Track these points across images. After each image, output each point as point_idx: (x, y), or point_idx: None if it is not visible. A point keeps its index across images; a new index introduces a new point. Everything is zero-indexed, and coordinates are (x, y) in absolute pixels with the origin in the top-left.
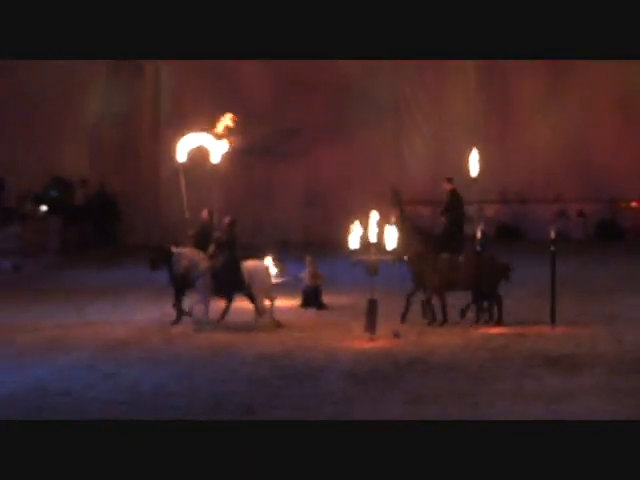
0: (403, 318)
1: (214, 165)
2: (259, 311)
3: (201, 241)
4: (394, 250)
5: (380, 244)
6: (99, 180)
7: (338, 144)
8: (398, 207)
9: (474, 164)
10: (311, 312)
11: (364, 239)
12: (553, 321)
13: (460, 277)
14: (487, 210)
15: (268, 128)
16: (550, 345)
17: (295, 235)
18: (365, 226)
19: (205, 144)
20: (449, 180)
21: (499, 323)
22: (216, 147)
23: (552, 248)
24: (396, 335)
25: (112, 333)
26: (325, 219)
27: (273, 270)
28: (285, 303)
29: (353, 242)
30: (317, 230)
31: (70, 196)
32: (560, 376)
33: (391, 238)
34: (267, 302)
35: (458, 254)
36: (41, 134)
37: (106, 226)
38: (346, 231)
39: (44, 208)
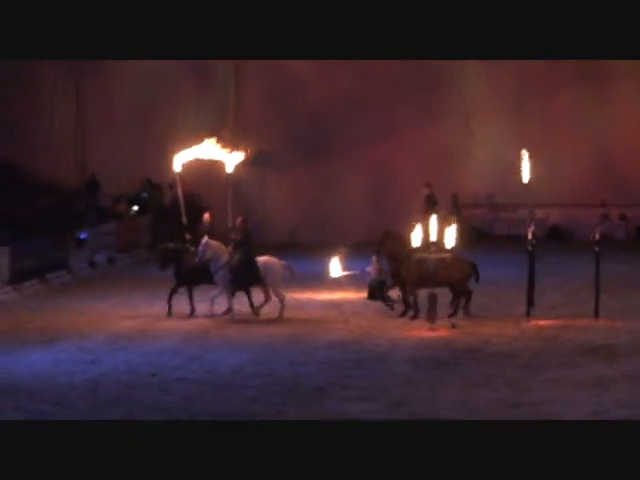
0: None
1: (229, 174)
2: (265, 302)
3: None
4: (452, 248)
5: (439, 243)
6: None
7: (400, 146)
8: (456, 209)
9: (526, 169)
10: (376, 304)
11: (425, 238)
12: (597, 314)
13: (436, 275)
14: (538, 213)
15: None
16: (594, 336)
17: (361, 234)
18: (425, 226)
19: (202, 156)
20: (428, 185)
21: (468, 314)
22: (229, 158)
23: (596, 248)
24: (454, 326)
25: (195, 321)
26: (387, 218)
27: (336, 267)
28: (353, 296)
29: (414, 240)
30: (380, 229)
31: (159, 198)
32: (603, 364)
33: (450, 237)
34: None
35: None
36: (134, 139)
37: (190, 225)
38: (408, 230)
39: (136, 208)
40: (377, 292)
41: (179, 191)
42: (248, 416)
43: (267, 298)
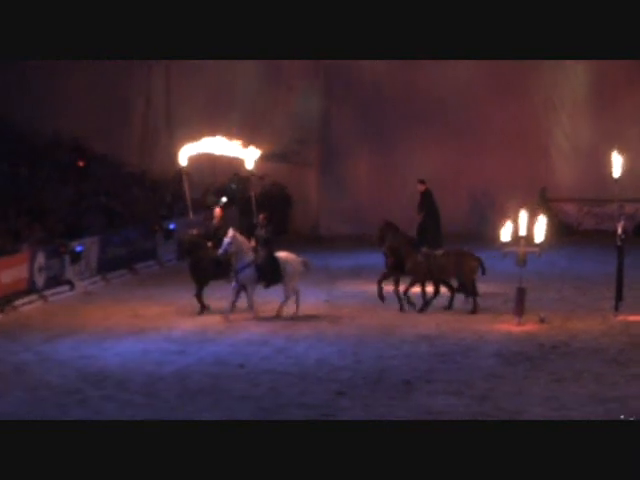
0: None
1: (250, 171)
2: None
3: (209, 235)
4: (541, 243)
5: (529, 237)
6: (271, 175)
7: (485, 143)
8: (545, 203)
9: (616, 164)
10: (464, 297)
11: (514, 232)
12: None
13: (439, 269)
14: (627, 208)
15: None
16: None
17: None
18: (515, 220)
19: (209, 151)
20: (422, 182)
21: (474, 311)
22: (247, 154)
23: None
24: (542, 320)
25: (284, 313)
26: (477, 213)
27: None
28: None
29: (504, 235)
30: (471, 223)
31: (247, 189)
32: None
33: (539, 232)
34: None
35: (437, 248)
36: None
37: (279, 217)
38: (498, 225)
39: (224, 200)
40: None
41: (186, 185)
42: (333, 409)
43: (288, 296)
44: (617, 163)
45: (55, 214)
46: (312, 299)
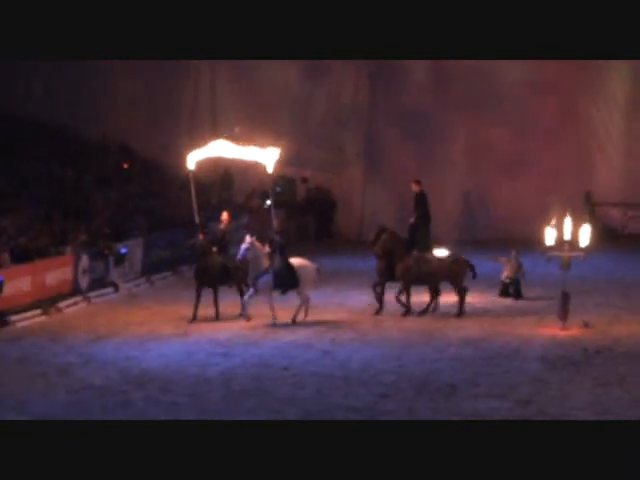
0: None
1: (269, 174)
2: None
3: (215, 239)
4: (586, 247)
5: (573, 241)
6: (317, 178)
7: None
8: (590, 207)
9: None
10: (508, 301)
11: (559, 237)
12: None
13: (431, 273)
14: None
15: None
16: None
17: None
18: (560, 225)
19: (218, 154)
20: (417, 182)
21: (460, 314)
22: (266, 157)
23: None
24: (586, 325)
25: (328, 315)
26: (522, 218)
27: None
28: (483, 293)
29: (549, 239)
30: (515, 228)
31: (293, 192)
32: None
33: (584, 236)
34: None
35: (426, 251)
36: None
37: (324, 220)
38: (542, 229)
39: (268, 203)
40: (509, 289)
41: (192, 189)
42: (378, 412)
43: (304, 301)
44: None
45: (100, 217)
46: (355, 302)
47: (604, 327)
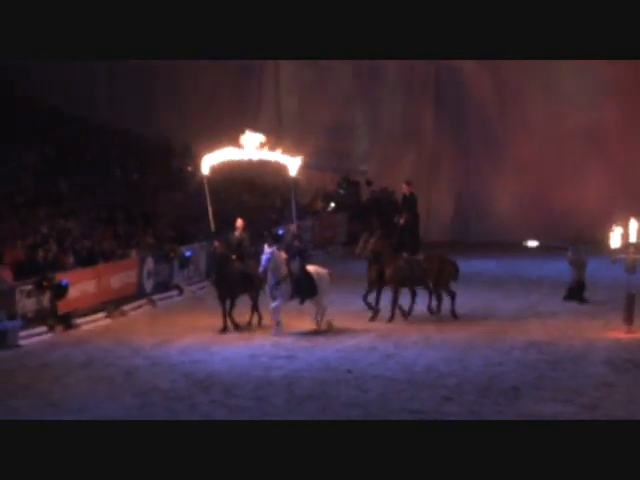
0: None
1: (293, 178)
2: (321, 313)
3: (232, 247)
4: None
5: (638, 244)
6: (381, 181)
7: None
8: None
9: None
10: (573, 304)
11: (624, 239)
12: None
13: (421, 274)
14: None
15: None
16: None
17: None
18: (625, 227)
19: (232, 158)
20: (408, 183)
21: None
22: (291, 162)
23: None
24: None
25: (392, 320)
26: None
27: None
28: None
29: (614, 242)
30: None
31: (357, 194)
32: None
33: None
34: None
35: (416, 254)
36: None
37: (387, 220)
38: (608, 232)
39: (332, 205)
40: (575, 292)
41: (207, 195)
42: (441, 415)
43: (321, 310)
44: None
45: (165, 220)
46: (419, 306)
47: None
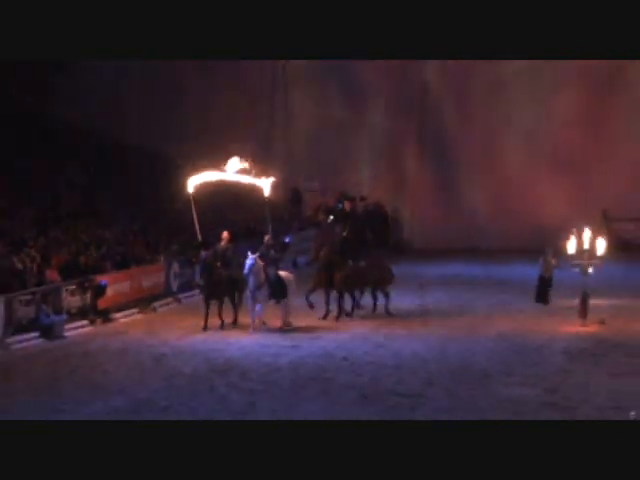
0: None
1: (267, 197)
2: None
3: (218, 257)
4: (602, 256)
5: (591, 251)
6: (374, 196)
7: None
8: (606, 223)
9: None
10: (537, 304)
11: (579, 245)
12: None
13: (364, 278)
14: None
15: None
16: None
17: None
18: (580, 237)
19: (214, 179)
20: (350, 200)
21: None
22: (264, 183)
23: None
24: (602, 322)
25: (383, 315)
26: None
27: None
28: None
29: (570, 248)
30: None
31: (353, 208)
32: None
33: (600, 247)
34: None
35: (360, 261)
36: (333, 154)
37: (379, 232)
38: (565, 240)
39: (331, 217)
40: (542, 291)
41: (194, 212)
42: (423, 397)
43: (288, 309)
44: None
45: (190, 230)
46: (406, 303)
47: (619, 325)
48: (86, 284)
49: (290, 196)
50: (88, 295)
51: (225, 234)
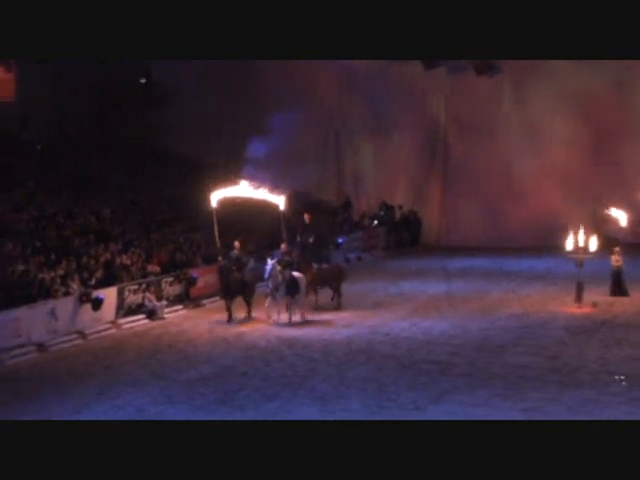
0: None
1: (282, 211)
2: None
3: (232, 264)
4: (594, 251)
5: (585, 246)
6: (409, 204)
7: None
8: (597, 222)
9: None
10: (539, 287)
11: (575, 242)
12: None
13: (325, 279)
14: None
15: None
16: None
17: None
18: (576, 233)
19: (236, 194)
20: (309, 213)
21: (339, 308)
22: (278, 199)
23: None
24: (594, 305)
25: (416, 300)
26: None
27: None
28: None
29: (568, 244)
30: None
31: (392, 215)
32: None
33: (593, 243)
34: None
35: (324, 263)
36: (378, 171)
37: (413, 233)
38: (563, 237)
39: (375, 222)
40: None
41: (215, 225)
42: (450, 364)
43: (302, 304)
44: None
45: (259, 232)
46: (434, 290)
47: (607, 307)
48: (181, 276)
49: (343, 203)
50: (183, 285)
51: (236, 243)
